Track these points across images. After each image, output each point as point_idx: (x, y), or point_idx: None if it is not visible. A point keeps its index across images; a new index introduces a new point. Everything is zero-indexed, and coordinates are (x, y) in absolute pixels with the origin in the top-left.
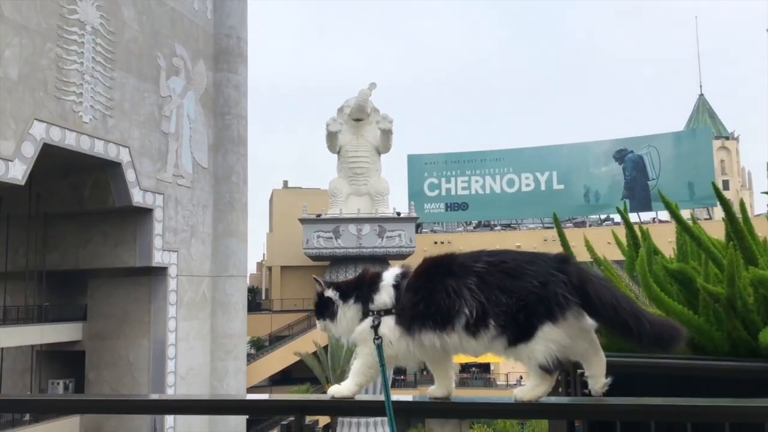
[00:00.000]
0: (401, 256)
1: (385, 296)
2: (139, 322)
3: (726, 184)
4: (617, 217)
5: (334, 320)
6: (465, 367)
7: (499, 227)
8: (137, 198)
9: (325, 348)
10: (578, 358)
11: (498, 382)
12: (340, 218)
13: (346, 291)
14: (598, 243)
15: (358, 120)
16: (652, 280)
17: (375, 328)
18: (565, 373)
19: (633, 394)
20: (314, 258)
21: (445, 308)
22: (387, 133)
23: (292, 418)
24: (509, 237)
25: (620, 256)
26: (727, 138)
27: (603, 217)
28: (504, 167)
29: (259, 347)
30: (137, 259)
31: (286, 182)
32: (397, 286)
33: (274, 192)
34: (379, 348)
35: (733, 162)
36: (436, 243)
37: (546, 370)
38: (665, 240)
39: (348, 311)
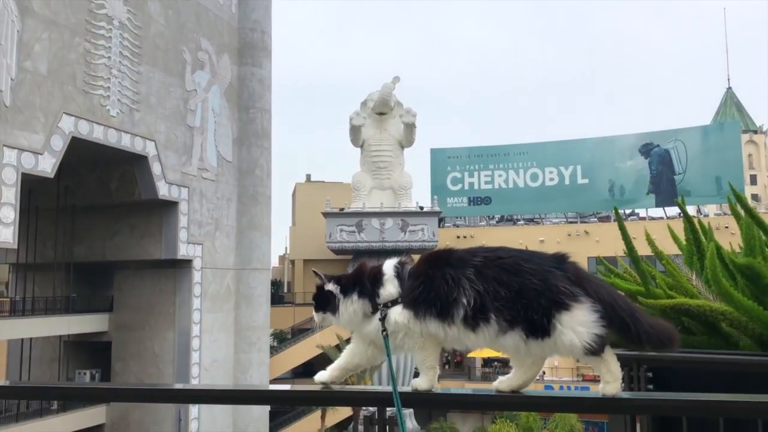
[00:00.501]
0: (424, 250)
1: (390, 288)
2: (165, 314)
3: (754, 178)
4: (642, 212)
5: (336, 314)
6: (487, 362)
7: (522, 222)
8: (163, 191)
9: (347, 341)
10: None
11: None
12: (363, 212)
13: (347, 285)
14: (621, 238)
15: (381, 114)
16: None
17: (381, 320)
18: (628, 368)
19: (700, 390)
20: (337, 252)
21: (444, 295)
22: (410, 127)
23: (374, 409)
24: (532, 232)
25: (647, 251)
26: (755, 132)
27: (628, 211)
28: (528, 161)
29: (281, 340)
30: (163, 251)
31: (308, 176)
32: (399, 276)
33: (297, 186)
34: (386, 340)
35: (761, 156)
36: (458, 237)
37: (592, 352)
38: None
39: (351, 305)
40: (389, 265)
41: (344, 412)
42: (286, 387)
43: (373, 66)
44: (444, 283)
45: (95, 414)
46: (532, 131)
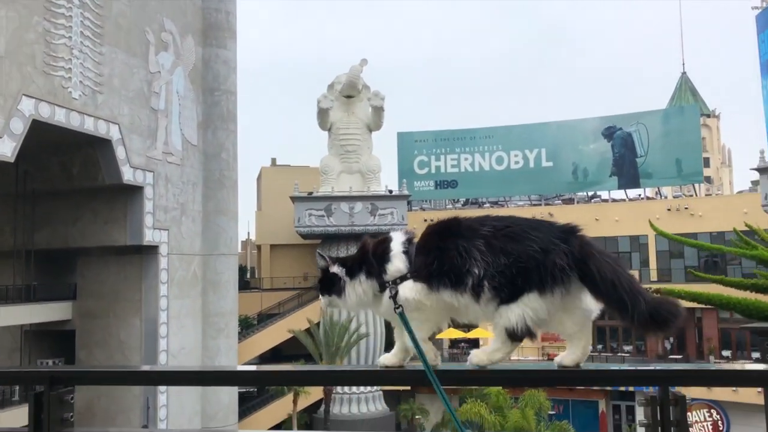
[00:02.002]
0: None
1: (398, 263)
2: (130, 301)
3: (707, 161)
4: (605, 194)
5: (342, 296)
6: (454, 343)
7: (488, 205)
8: (128, 176)
9: (318, 324)
10: (564, 337)
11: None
12: (332, 196)
13: (353, 266)
14: (584, 220)
15: (349, 97)
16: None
17: (393, 298)
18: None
19: None
20: (306, 236)
21: (458, 266)
22: (378, 110)
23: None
24: (498, 214)
25: (613, 233)
26: (708, 116)
27: (591, 194)
28: (493, 145)
29: (247, 326)
30: (128, 237)
31: (274, 160)
32: (407, 252)
33: (262, 170)
34: (402, 316)
35: (713, 139)
36: (426, 221)
37: (512, 336)
38: (653, 216)
39: (358, 286)
40: (397, 241)
41: (316, 394)
42: (321, 367)
43: (339, 48)
44: (458, 255)
45: None
46: (498, 114)
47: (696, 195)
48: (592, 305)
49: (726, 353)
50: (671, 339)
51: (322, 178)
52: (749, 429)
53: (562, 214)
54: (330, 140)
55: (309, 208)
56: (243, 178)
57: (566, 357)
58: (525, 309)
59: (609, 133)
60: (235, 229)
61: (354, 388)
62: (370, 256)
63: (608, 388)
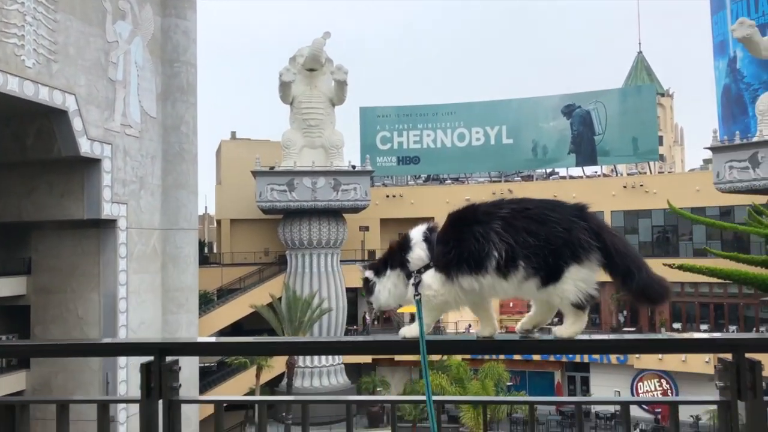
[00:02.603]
0: (356, 210)
1: (419, 251)
2: (88, 276)
3: (660, 139)
4: (563, 171)
5: (373, 295)
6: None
7: (449, 181)
8: (85, 148)
9: (280, 299)
10: (565, 309)
11: (448, 330)
12: (295, 171)
13: (379, 266)
14: (543, 196)
15: (311, 70)
16: None
17: (415, 286)
18: None
19: None
20: (267, 211)
21: (476, 252)
22: (341, 84)
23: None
24: (459, 191)
25: None
26: (662, 95)
27: (549, 171)
28: (455, 121)
29: (206, 301)
30: (85, 211)
31: (234, 133)
32: (428, 240)
33: (222, 143)
34: (419, 303)
35: (667, 118)
36: (388, 197)
37: (579, 307)
38: (610, 193)
39: (387, 281)
40: (417, 231)
41: (278, 368)
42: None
43: (301, 21)
44: (475, 241)
45: (14, 381)
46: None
47: (651, 173)
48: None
49: (676, 326)
50: (624, 312)
51: (284, 152)
52: (697, 397)
53: (521, 191)
54: (292, 114)
55: (271, 183)
56: (202, 152)
57: (566, 329)
58: (575, 282)
59: (568, 111)
60: (195, 203)
61: (316, 362)
62: (394, 249)
63: (564, 359)
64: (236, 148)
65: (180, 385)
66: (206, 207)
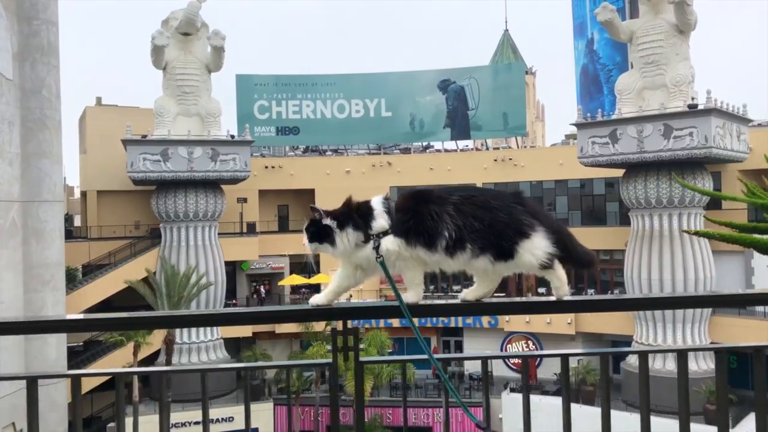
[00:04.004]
0: (236, 180)
1: (381, 221)
2: None
3: None
4: (438, 145)
5: (333, 245)
6: (295, 289)
7: (329, 153)
8: None
9: (155, 273)
10: (478, 275)
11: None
12: (170, 140)
13: (343, 220)
14: (420, 169)
15: (186, 34)
16: None
17: (376, 249)
18: None
19: None
20: (139, 182)
21: (431, 228)
22: (219, 50)
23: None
24: (339, 162)
25: (446, 182)
26: (526, 73)
27: (425, 144)
28: (335, 93)
29: (71, 279)
30: None
31: (99, 99)
32: (388, 211)
33: (86, 109)
34: (383, 264)
35: (530, 95)
36: (267, 167)
37: (545, 267)
38: (481, 167)
39: (346, 237)
40: (377, 202)
41: (156, 345)
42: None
43: None
44: (430, 218)
45: None
46: (336, 63)
47: (518, 147)
48: None
49: (541, 290)
50: None
51: (157, 120)
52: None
53: (399, 163)
54: (165, 80)
55: (143, 153)
56: (65, 120)
57: (472, 292)
58: (531, 251)
59: (444, 86)
60: (60, 173)
61: (194, 337)
62: (355, 212)
63: (439, 325)
64: (102, 115)
65: (363, 348)
66: (65, 177)
